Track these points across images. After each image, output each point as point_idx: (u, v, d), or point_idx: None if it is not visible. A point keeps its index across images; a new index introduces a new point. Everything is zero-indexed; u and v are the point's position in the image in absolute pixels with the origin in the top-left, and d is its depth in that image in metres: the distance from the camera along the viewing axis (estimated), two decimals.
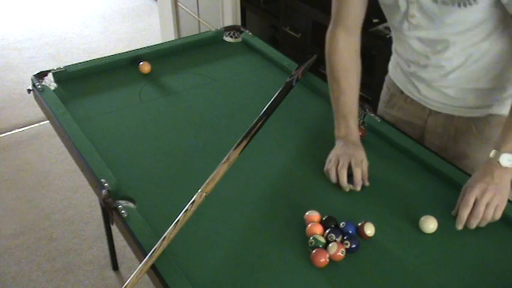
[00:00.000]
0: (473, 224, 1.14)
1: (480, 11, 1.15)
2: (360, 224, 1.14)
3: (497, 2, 1.13)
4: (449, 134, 1.41)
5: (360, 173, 1.26)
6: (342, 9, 1.34)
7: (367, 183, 1.28)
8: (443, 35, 1.24)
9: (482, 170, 1.18)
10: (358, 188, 1.26)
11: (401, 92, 1.47)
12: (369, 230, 1.13)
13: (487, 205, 1.13)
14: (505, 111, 1.28)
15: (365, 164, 1.29)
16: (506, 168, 1.15)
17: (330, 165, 1.29)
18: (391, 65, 1.52)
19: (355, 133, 1.35)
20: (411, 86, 1.42)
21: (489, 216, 1.14)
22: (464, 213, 1.14)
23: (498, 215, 1.15)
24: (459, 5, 1.15)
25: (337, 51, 1.38)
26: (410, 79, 1.41)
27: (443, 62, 1.29)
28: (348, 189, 1.27)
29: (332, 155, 1.32)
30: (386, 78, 1.55)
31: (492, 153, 1.17)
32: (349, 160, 1.27)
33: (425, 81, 1.37)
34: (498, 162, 1.15)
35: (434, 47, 1.28)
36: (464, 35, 1.23)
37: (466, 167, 1.34)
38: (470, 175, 1.29)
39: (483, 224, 1.15)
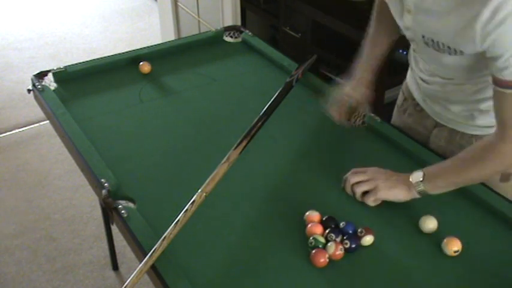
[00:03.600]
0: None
1: (472, 59, 1.15)
2: (359, 232, 1.13)
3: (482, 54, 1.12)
4: (452, 149, 1.40)
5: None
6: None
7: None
8: (441, 68, 1.27)
9: (395, 173, 1.22)
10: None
11: (413, 99, 1.48)
12: (367, 243, 1.12)
13: (356, 184, 1.21)
14: None
15: (362, 107, 1.39)
16: (410, 182, 1.18)
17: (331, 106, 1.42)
18: (408, 72, 1.54)
19: (360, 75, 1.45)
20: (421, 95, 1.44)
21: (356, 195, 1.22)
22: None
23: (368, 201, 1.21)
24: (449, 54, 1.16)
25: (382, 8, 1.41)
26: (420, 89, 1.43)
27: (445, 86, 1.31)
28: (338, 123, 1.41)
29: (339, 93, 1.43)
30: (404, 83, 1.57)
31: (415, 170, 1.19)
32: (348, 100, 1.39)
33: (431, 96, 1.38)
34: (409, 175, 1.19)
35: (437, 72, 1.30)
36: (463, 73, 1.24)
37: None
38: None
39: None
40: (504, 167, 1.21)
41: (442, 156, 1.34)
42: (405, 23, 1.21)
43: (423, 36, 1.18)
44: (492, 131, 1.25)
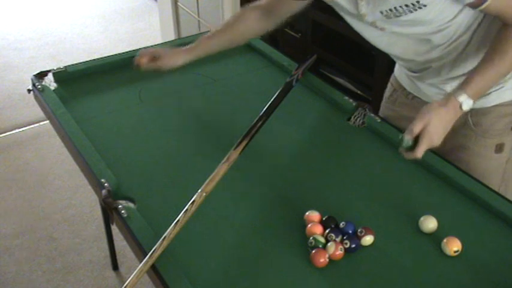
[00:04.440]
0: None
1: (432, 15, 1.18)
2: (359, 232, 1.13)
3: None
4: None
5: None
6: None
7: None
8: (418, 35, 1.27)
9: (445, 106, 1.19)
10: None
11: (404, 89, 1.49)
12: (367, 243, 1.12)
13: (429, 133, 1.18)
14: (501, 103, 1.31)
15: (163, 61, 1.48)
16: (462, 111, 1.19)
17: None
18: (396, 66, 1.55)
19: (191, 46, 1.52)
20: (413, 85, 1.46)
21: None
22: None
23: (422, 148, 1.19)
24: (411, 12, 1.17)
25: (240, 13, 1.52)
26: (411, 80, 1.44)
27: (430, 63, 1.32)
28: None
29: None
30: (392, 76, 1.57)
31: (457, 93, 1.19)
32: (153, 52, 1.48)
33: (423, 81, 1.39)
34: (460, 105, 1.18)
35: (418, 50, 1.31)
36: (438, 34, 1.25)
37: (463, 159, 1.35)
38: (470, 175, 1.29)
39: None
40: None
41: (444, 159, 1.34)
42: (361, 10, 1.22)
43: (381, 12, 1.19)
44: (485, 103, 1.33)
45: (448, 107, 1.18)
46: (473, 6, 1.14)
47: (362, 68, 2.46)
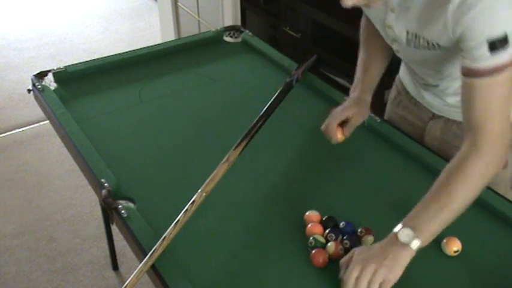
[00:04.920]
0: None
1: (449, 54, 1.14)
2: (359, 232, 1.13)
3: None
4: (447, 138, 1.40)
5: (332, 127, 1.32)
6: None
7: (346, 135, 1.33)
8: (427, 64, 1.26)
9: (380, 243, 1.04)
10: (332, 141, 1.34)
11: (408, 92, 1.48)
12: (367, 243, 1.11)
13: (370, 283, 0.99)
14: None
15: (356, 119, 1.33)
16: (403, 244, 1.00)
17: (327, 120, 1.35)
18: (401, 67, 1.53)
19: (359, 95, 1.38)
20: (416, 91, 1.44)
21: None
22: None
23: None
24: (428, 49, 1.15)
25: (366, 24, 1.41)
26: (416, 85, 1.43)
27: (436, 81, 1.30)
28: (334, 142, 1.33)
29: (334, 109, 1.37)
30: (396, 77, 1.56)
31: (396, 228, 1.03)
32: (344, 116, 1.33)
33: (427, 90, 1.38)
34: (396, 236, 1.01)
35: (425, 71, 1.30)
36: (446, 69, 1.22)
37: None
38: None
39: None
40: (491, 176, 1.07)
41: (441, 156, 1.34)
42: (388, 21, 1.20)
43: (407, 33, 1.17)
44: None
45: (382, 241, 1.04)
46: (463, 73, 1.05)
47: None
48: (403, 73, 1.51)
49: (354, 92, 1.39)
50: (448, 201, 1.03)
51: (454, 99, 1.31)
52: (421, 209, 1.04)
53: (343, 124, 1.33)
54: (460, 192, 1.04)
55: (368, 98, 1.39)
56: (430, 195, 1.05)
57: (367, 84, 1.39)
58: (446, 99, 1.34)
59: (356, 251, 1.03)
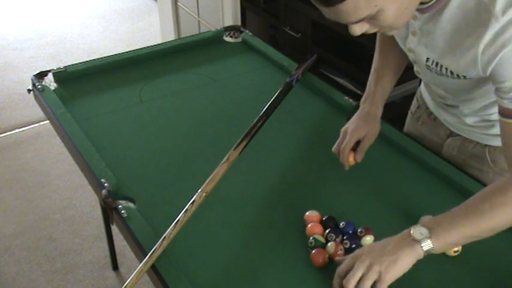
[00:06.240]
0: None
1: (476, 81, 1.11)
2: (359, 232, 1.13)
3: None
4: (464, 158, 1.37)
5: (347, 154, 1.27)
6: None
7: (357, 160, 1.28)
8: (445, 90, 1.23)
9: (390, 237, 1.01)
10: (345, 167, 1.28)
11: (427, 107, 1.46)
12: (367, 243, 1.11)
13: (363, 278, 0.96)
14: None
15: (367, 140, 1.29)
16: (414, 241, 0.97)
17: (339, 141, 1.30)
18: (422, 82, 1.48)
19: (369, 109, 1.34)
20: (435, 108, 1.41)
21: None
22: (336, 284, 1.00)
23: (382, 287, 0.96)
24: (453, 78, 1.11)
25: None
26: (434, 102, 1.40)
27: (456, 103, 1.28)
28: (347, 168, 1.28)
29: (346, 127, 1.32)
30: (418, 90, 1.53)
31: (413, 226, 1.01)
32: (357, 137, 1.28)
33: (445, 110, 1.35)
34: (409, 232, 0.98)
35: (444, 93, 1.28)
36: (468, 93, 1.19)
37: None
38: (469, 175, 1.29)
39: None
40: None
41: (444, 159, 1.34)
42: (409, 45, 1.16)
43: (427, 59, 1.13)
44: None
45: (395, 236, 1.01)
46: (501, 113, 1.01)
47: (362, 68, 2.45)
48: (423, 88, 1.47)
49: (365, 104, 1.36)
50: (476, 220, 0.98)
51: (473, 120, 1.29)
52: (444, 218, 1.00)
53: (354, 145, 1.30)
54: (492, 214, 0.98)
55: (379, 112, 1.35)
56: (458, 210, 1.01)
57: (379, 97, 1.36)
58: (465, 119, 1.31)
59: (356, 252, 1.01)
